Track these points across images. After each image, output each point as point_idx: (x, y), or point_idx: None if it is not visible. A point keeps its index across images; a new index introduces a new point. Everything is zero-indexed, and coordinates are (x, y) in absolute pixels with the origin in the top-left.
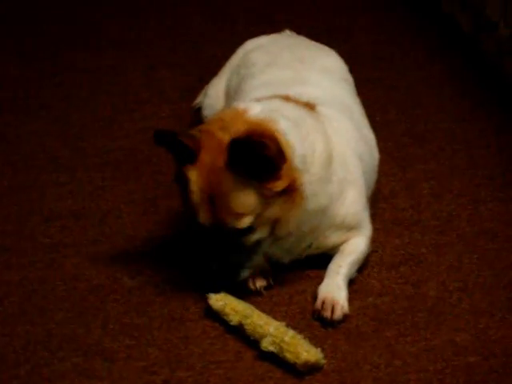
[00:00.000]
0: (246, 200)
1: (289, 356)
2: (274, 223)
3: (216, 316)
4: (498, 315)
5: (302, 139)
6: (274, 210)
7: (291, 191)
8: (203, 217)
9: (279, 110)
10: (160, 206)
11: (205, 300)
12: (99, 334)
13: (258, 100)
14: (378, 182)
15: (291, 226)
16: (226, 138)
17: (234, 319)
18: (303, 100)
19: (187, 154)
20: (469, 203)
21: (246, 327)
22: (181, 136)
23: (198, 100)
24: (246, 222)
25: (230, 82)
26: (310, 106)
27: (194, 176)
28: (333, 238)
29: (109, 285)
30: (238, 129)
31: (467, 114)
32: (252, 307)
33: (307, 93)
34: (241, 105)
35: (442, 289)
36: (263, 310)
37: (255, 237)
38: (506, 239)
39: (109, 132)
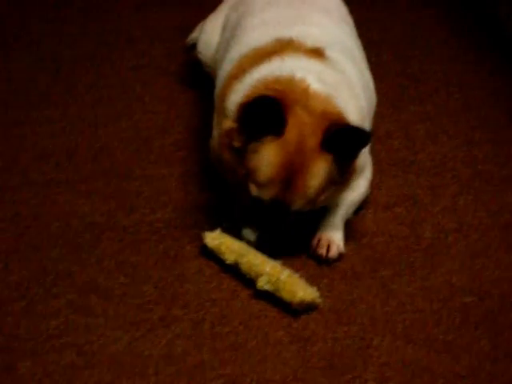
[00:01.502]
0: (323, 186)
1: (285, 295)
2: (325, 200)
3: (211, 254)
4: (493, 256)
5: (349, 111)
6: (331, 191)
7: (354, 172)
8: (269, 193)
9: (326, 78)
10: (153, 145)
11: (200, 238)
12: (94, 271)
13: (283, 55)
14: (374, 123)
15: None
16: (311, 116)
17: (229, 258)
18: (310, 44)
19: (274, 125)
20: (464, 145)
21: (241, 266)
22: (274, 104)
23: (193, 36)
24: (311, 205)
25: (228, 19)
26: (318, 52)
27: (274, 151)
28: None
29: (103, 222)
30: (319, 109)
31: (462, 56)
32: (248, 246)
33: (310, 34)
34: (297, 73)
35: (437, 229)
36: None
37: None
38: (501, 180)
39: (101, 69)
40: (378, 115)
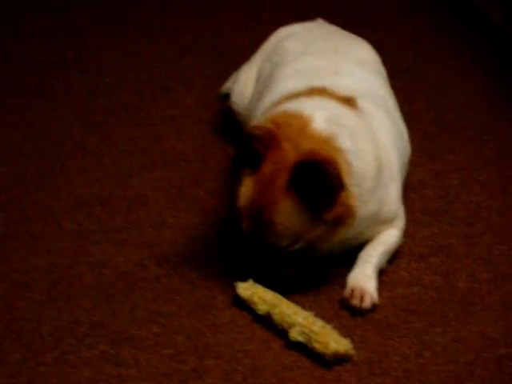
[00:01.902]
0: (293, 224)
1: (318, 346)
2: (317, 240)
3: (244, 305)
4: None
5: (360, 155)
6: (319, 232)
7: (343, 216)
8: (246, 225)
9: (339, 119)
10: (187, 194)
11: (233, 288)
12: (127, 322)
13: (308, 96)
14: (408, 172)
15: (336, 240)
16: (291, 154)
17: (262, 308)
18: (342, 93)
19: (251, 159)
20: (498, 194)
21: (274, 317)
22: (254, 139)
23: (226, 86)
24: (286, 241)
25: (261, 69)
26: (351, 102)
27: (250, 183)
28: (370, 233)
29: (136, 272)
30: (305, 146)
31: (496, 105)
32: (280, 296)
33: (343, 84)
34: (306, 110)
35: (471, 280)
36: (292, 300)
37: (295, 248)
38: None
39: (135, 119)
40: (412, 164)
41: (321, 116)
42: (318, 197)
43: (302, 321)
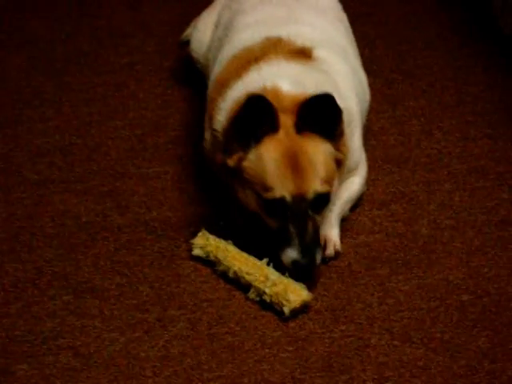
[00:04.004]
0: (328, 164)
1: (276, 306)
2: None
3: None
4: (490, 253)
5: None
6: (337, 180)
7: (342, 167)
8: (285, 188)
9: (299, 78)
10: (148, 142)
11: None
12: (89, 272)
13: (258, 63)
14: (368, 119)
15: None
16: (289, 118)
17: (219, 268)
18: (298, 43)
19: (268, 124)
20: (459, 140)
21: (230, 276)
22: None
23: (187, 33)
24: (327, 187)
25: (220, 17)
26: (306, 52)
27: (275, 145)
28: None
29: (98, 222)
30: (292, 103)
31: (456, 51)
32: (235, 250)
33: (301, 33)
34: (264, 82)
35: (433, 227)
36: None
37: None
38: (496, 176)
39: (94, 67)
40: (373, 111)
41: (284, 84)
42: (328, 118)
43: (256, 283)
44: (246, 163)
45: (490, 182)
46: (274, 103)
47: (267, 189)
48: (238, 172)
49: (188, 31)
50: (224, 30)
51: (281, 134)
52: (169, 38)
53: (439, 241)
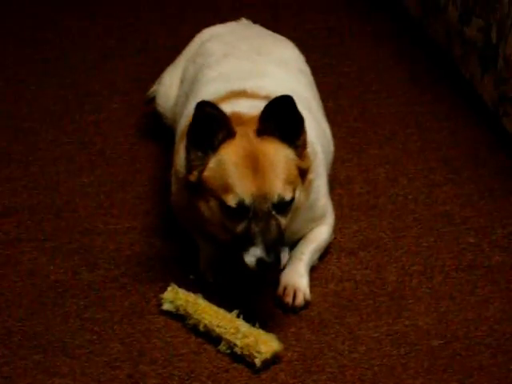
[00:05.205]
0: (290, 167)
1: (247, 358)
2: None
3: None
4: (458, 298)
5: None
6: (300, 194)
7: (307, 181)
8: (247, 188)
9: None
10: (115, 199)
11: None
12: (60, 330)
13: (223, 100)
14: (334, 167)
15: (296, 219)
16: (250, 128)
17: (189, 322)
18: (262, 94)
19: (223, 130)
20: (424, 186)
21: (201, 330)
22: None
23: (152, 89)
24: (290, 192)
25: (185, 71)
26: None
27: (232, 150)
28: (304, 230)
29: (67, 280)
30: (254, 118)
31: (417, 98)
32: (204, 303)
33: (265, 86)
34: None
35: (401, 273)
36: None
37: (288, 217)
38: (462, 221)
39: (60, 125)
40: (338, 160)
41: (244, 109)
42: (290, 122)
43: (227, 335)
44: (206, 173)
45: (456, 227)
46: (234, 121)
47: (228, 191)
48: (200, 186)
49: (154, 88)
50: (190, 85)
51: (239, 139)
52: (134, 95)
53: (408, 287)
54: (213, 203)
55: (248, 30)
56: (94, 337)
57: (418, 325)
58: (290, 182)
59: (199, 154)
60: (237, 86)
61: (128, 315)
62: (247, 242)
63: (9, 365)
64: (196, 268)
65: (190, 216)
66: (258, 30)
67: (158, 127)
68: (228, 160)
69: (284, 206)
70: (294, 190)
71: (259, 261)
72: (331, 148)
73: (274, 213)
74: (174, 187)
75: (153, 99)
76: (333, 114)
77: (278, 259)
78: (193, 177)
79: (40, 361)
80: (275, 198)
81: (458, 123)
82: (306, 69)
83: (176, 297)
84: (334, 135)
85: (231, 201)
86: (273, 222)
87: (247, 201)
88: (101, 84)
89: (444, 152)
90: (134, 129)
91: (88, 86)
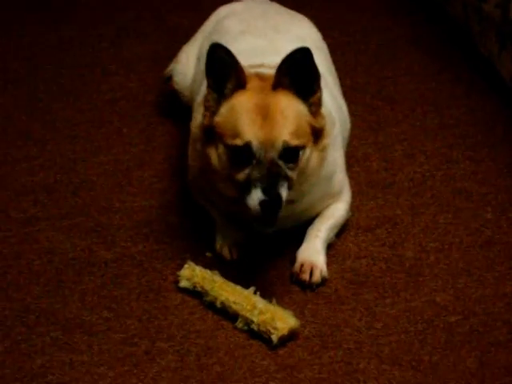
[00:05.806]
0: (300, 120)
1: (264, 335)
2: (304, 170)
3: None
4: (476, 274)
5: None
6: (310, 152)
7: (321, 144)
8: (253, 133)
9: None
10: (132, 177)
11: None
12: (77, 308)
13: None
14: (351, 145)
15: (307, 186)
16: (267, 83)
17: (206, 299)
18: None
19: (236, 78)
20: (442, 164)
21: (218, 307)
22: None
23: (170, 68)
24: (297, 141)
25: (202, 49)
26: None
27: (245, 98)
28: (320, 206)
29: (84, 258)
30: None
31: (436, 76)
32: (221, 280)
33: None
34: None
35: (419, 250)
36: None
37: (296, 171)
38: (479, 198)
39: (77, 105)
40: (355, 138)
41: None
42: (306, 77)
43: (243, 312)
44: (217, 118)
45: (473, 204)
46: (257, 79)
47: (236, 135)
48: (211, 133)
49: (171, 66)
50: None
51: (253, 90)
52: (151, 73)
53: (425, 263)
54: (221, 150)
55: (265, 8)
56: (112, 314)
57: (436, 301)
58: (298, 135)
59: (215, 95)
60: (254, 61)
61: (145, 292)
62: (250, 186)
63: (27, 342)
64: (213, 245)
65: (205, 186)
66: (274, 7)
67: (174, 106)
68: (239, 106)
69: (290, 155)
70: (302, 143)
71: (262, 202)
72: (348, 125)
73: (280, 162)
74: (190, 152)
75: (170, 78)
76: (350, 92)
77: (279, 196)
78: (206, 119)
79: (58, 338)
80: (280, 145)
81: (475, 100)
82: (323, 46)
83: (193, 274)
84: (352, 113)
85: (238, 142)
86: (275, 170)
87: (254, 143)
88: (117, 63)
89: (462, 129)
90: (150, 107)
91: (105, 65)
